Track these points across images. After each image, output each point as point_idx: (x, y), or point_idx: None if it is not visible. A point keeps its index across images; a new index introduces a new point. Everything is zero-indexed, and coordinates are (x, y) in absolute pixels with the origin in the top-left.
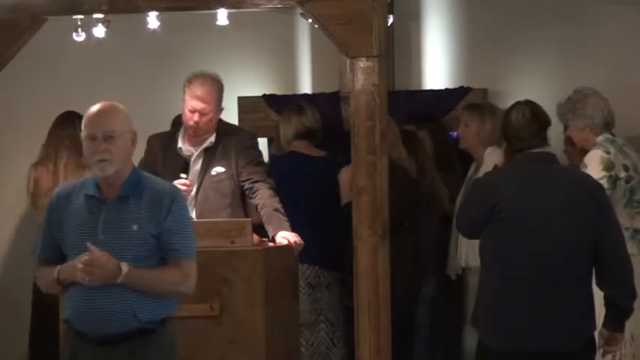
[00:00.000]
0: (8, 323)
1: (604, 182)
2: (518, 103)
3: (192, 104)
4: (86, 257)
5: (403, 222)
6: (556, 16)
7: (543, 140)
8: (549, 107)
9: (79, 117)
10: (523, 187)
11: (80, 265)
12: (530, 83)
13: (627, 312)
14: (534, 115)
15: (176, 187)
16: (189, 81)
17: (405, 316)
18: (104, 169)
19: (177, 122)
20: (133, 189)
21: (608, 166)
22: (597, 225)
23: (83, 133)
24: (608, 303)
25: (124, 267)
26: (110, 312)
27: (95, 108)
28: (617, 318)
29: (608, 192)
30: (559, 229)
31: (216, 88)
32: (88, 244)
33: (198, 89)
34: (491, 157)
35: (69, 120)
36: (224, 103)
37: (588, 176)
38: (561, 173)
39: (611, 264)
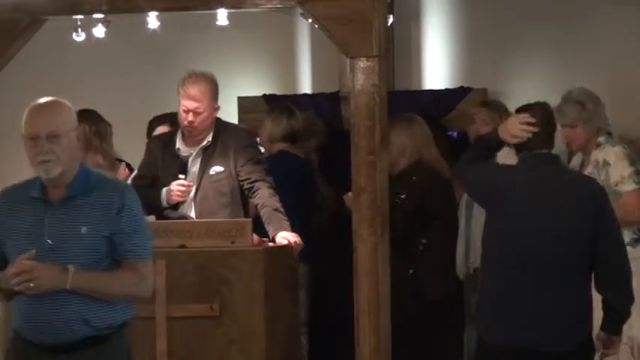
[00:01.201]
0: None
1: (634, 177)
2: (535, 105)
3: (185, 104)
4: (14, 269)
5: (431, 221)
6: (556, 16)
7: (552, 142)
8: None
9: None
10: (525, 187)
11: (10, 275)
12: (530, 83)
13: (624, 316)
14: (551, 117)
15: (126, 184)
16: (183, 81)
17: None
18: (49, 170)
19: (153, 125)
20: (80, 189)
21: (633, 160)
22: (597, 227)
23: (24, 132)
24: (606, 306)
25: (71, 269)
26: (58, 320)
27: (36, 104)
28: (614, 321)
29: (636, 185)
30: (559, 230)
31: (210, 87)
32: (27, 254)
33: (191, 88)
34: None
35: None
36: (224, 103)
37: (589, 178)
38: (563, 174)
39: (609, 267)
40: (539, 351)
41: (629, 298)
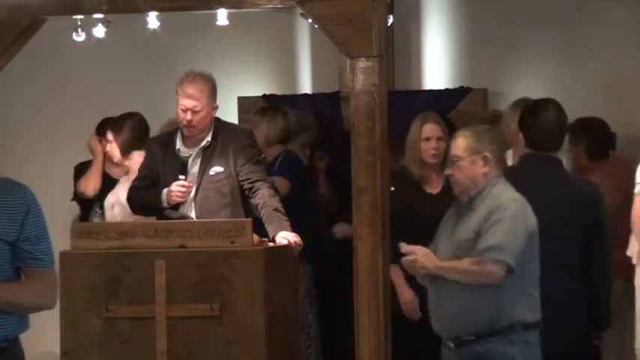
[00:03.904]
0: None
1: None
2: (546, 101)
3: (183, 102)
4: None
5: None
6: (556, 16)
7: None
8: None
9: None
10: (523, 190)
11: None
12: (530, 83)
13: (602, 327)
14: (564, 116)
15: (28, 188)
16: (181, 80)
17: None
18: None
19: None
20: None
21: None
22: (592, 233)
23: None
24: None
25: None
26: None
27: None
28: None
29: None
30: (551, 231)
31: (208, 86)
32: None
33: (189, 87)
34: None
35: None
36: (224, 103)
37: (588, 183)
38: (561, 177)
39: (592, 278)
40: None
41: (605, 313)
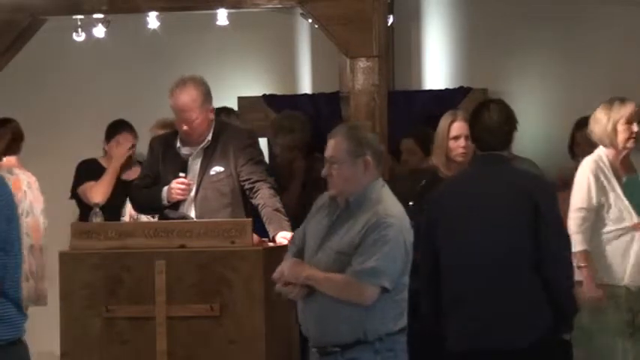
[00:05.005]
0: None
1: None
2: (490, 102)
3: (177, 115)
4: None
5: None
6: (556, 16)
7: (506, 142)
8: (550, 107)
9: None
10: (465, 189)
11: None
12: (530, 83)
13: (565, 320)
14: (510, 116)
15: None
16: (171, 92)
17: None
18: None
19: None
20: None
21: None
22: (536, 225)
23: None
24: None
25: None
26: None
27: None
28: (559, 322)
29: None
30: (500, 230)
31: (198, 93)
32: None
33: (179, 99)
34: None
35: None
36: (224, 103)
37: (528, 175)
38: (503, 174)
39: (549, 266)
40: (491, 350)
41: (571, 300)
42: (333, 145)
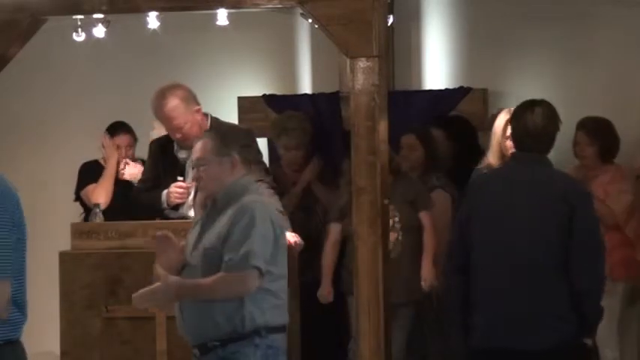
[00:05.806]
0: None
1: None
2: (535, 104)
3: (165, 126)
4: None
5: None
6: (556, 17)
7: (547, 144)
8: None
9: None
10: (500, 188)
11: None
12: (531, 83)
13: (589, 326)
14: (553, 120)
15: None
16: (152, 107)
17: None
18: None
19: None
20: None
21: None
22: (570, 227)
23: None
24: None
25: None
26: None
27: None
28: (582, 327)
29: None
30: (533, 231)
31: (178, 101)
32: None
33: (161, 112)
34: None
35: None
36: (224, 103)
37: (565, 177)
38: (538, 174)
39: (580, 270)
40: (516, 351)
41: (597, 309)
42: (200, 147)
